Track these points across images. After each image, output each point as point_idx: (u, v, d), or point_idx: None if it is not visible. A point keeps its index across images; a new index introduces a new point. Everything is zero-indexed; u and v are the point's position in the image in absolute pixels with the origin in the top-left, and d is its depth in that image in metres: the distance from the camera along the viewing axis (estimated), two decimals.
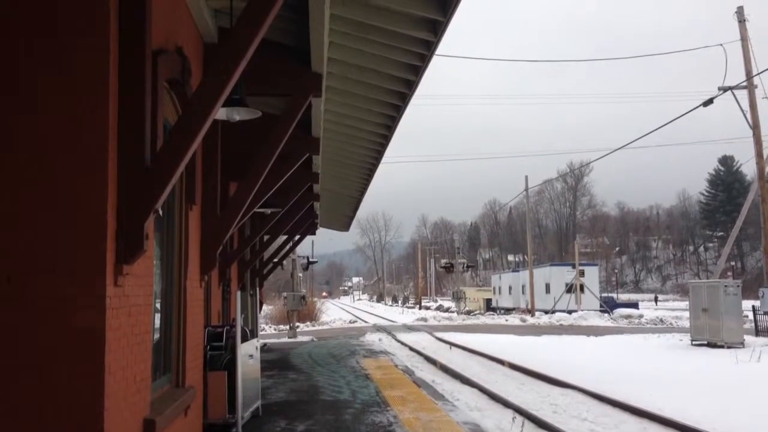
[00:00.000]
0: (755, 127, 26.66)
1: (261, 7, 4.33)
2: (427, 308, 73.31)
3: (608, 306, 48.73)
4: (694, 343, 23.02)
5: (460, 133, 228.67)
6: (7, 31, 4.19)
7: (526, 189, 55.04)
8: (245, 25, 4.37)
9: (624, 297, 78.21)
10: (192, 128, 4.52)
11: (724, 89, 26.12)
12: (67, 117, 4.17)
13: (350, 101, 10.98)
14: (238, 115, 6.93)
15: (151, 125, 4.74)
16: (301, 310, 34.88)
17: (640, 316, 42.36)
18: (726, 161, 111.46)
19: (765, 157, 26.59)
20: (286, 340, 29.45)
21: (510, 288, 63.18)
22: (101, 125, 4.21)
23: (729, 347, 21.01)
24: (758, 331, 25.63)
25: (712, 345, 21.98)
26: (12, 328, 4.04)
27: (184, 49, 6.47)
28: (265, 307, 42.58)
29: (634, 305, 53.34)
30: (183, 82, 6.40)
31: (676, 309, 57.71)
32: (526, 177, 53.62)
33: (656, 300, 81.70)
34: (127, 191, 4.39)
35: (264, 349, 20.46)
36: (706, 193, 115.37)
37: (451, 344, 25.75)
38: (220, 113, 6.72)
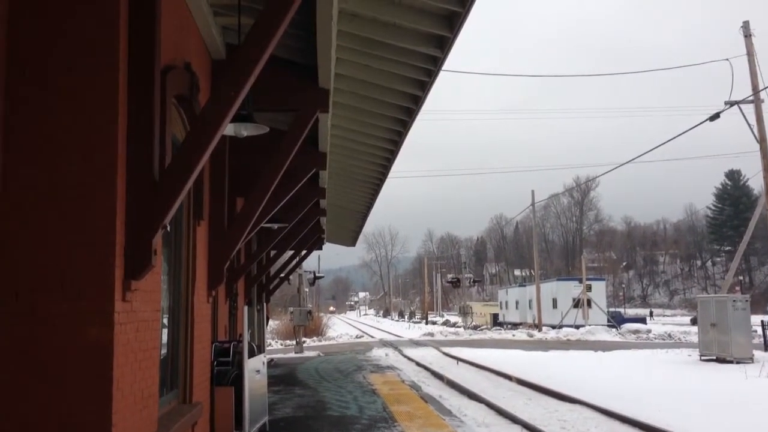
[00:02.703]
0: (762, 141, 26.57)
1: (269, 25, 4.35)
2: (434, 323, 73.01)
3: (616, 321, 48.45)
4: (702, 358, 22.85)
5: (465, 148, 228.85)
6: (17, 47, 4.22)
7: (533, 204, 54.98)
8: (253, 42, 4.39)
9: (631, 312, 77.66)
10: (200, 144, 4.53)
11: (731, 104, 26.09)
12: (77, 133, 4.19)
13: (357, 117, 11.02)
14: (245, 130, 6.95)
15: (160, 141, 4.75)
16: (307, 325, 34.79)
17: (648, 331, 42.08)
18: (733, 175, 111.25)
19: None
20: (292, 355, 29.37)
21: (517, 303, 62.93)
22: (110, 141, 4.23)
23: (738, 362, 20.83)
24: (767, 347, 25.47)
25: (720, 360, 21.80)
26: (20, 344, 4.03)
27: (193, 65, 6.51)
28: (271, 322, 42.51)
29: (642, 320, 53.06)
30: (191, 98, 6.43)
31: (684, 324, 57.35)
32: (533, 192, 53.64)
33: (651, 314, 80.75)
34: (136, 207, 4.40)
35: (271, 364, 20.38)
36: (713, 208, 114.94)
37: (458, 359, 25.62)
38: (228, 129, 6.75)
